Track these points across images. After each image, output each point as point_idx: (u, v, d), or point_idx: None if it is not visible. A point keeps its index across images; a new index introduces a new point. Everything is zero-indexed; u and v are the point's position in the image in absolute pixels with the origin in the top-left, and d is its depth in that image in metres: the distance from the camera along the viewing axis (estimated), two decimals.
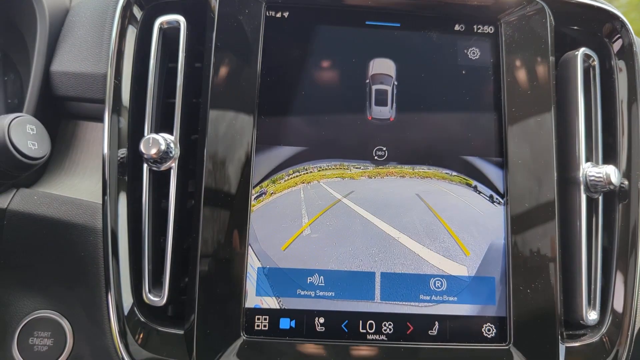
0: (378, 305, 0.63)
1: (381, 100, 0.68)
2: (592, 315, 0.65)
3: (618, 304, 0.65)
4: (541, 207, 0.65)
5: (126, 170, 0.64)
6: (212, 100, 0.64)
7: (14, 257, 0.68)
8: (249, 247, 0.63)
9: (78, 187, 0.71)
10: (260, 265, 0.63)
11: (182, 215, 0.65)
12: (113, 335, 0.60)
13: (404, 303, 0.64)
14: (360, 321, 0.63)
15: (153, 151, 0.61)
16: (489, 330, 0.63)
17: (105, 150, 0.63)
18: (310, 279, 0.63)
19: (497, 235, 0.65)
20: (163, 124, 0.66)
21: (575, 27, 0.73)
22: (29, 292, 0.70)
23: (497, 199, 0.66)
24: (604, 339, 0.64)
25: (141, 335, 0.61)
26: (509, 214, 0.65)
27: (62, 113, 0.74)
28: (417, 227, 0.65)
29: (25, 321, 0.69)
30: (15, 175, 0.55)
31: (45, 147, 0.56)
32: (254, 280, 0.63)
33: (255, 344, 0.61)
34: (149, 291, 0.62)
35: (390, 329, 0.63)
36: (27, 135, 0.54)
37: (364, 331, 0.63)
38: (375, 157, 0.67)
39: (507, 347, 0.62)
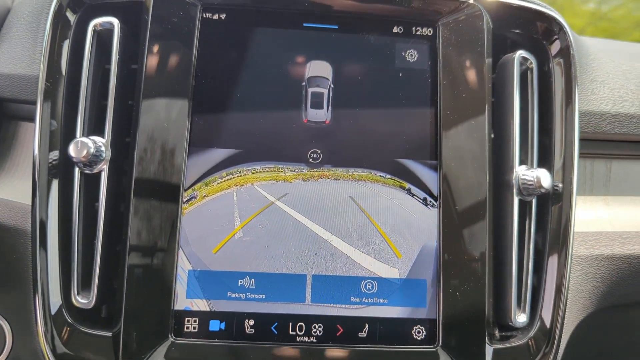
0: (308, 308, 0.64)
1: (317, 103, 0.68)
2: (521, 318, 0.66)
3: (547, 307, 0.66)
4: (473, 210, 0.65)
5: (58, 173, 0.64)
6: (144, 102, 0.64)
7: None
8: (180, 249, 0.63)
9: (18, 189, 0.71)
10: (191, 268, 0.63)
11: (115, 218, 0.65)
12: (39, 336, 0.60)
13: (334, 305, 0.64)
14: (290, 323, 0.63)
15: (82, 154, 0.61)
16: (418, 332, 0.64)
17: (36, 152, 0.63)
18: (241, 282, 0.64)
19: (429, 238, 0.66)
20: (98, 127, 0.66)
21: (515, 30, 0.73)
22: None
23: (430, 201, 0.67)
24: (530, 342, 0.65)
25: (66, 337, 0.61)
26: (442, 217, 0.66)
27: (3, 113, 0.74)
28: (349, 230, 0.66)
29: None
30: None
31: None
32: (184, 283, 0.63)
33: (183, 346, 0.61)
34: (78, 293, 0.62)
35: (320, 331, 0.63)
36: None
37: (294, 333, 0.63)
38: (310, 160, 0.67)
39: (434, 349, 0.63)
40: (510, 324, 0.65)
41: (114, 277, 0.64)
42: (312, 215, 0.66)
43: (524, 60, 0.71)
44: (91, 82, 0.66)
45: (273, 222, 0.65)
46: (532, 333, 0.65)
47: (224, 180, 0.66)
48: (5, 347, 0.70)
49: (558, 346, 0.64)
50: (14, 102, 0.70)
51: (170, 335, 0.61)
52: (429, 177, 0.67)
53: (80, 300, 0.62)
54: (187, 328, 0.62)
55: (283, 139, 0.67)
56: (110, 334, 0.62)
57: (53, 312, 0.61)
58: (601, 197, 0.81)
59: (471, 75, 0.68)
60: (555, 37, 0.71)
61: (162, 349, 0.61)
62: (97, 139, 0.64)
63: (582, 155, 0.68)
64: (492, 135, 0.69)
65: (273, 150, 0.67)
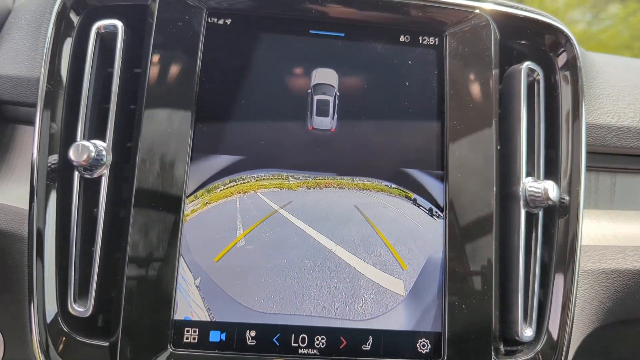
0: (311, 319, 0.62)
1: (322, 111, 0.67)
2: (528, 332, 0.65)
3: (554, 321, 0.65)
4: (480, 221, 0.64)
5: (57, 177, 0.63)
6: (147, 107, 0.62)
7: None
8: (181, 257, 0.62)
9: (13, 193, 0.69)
10: (192, 277, 0.62)
11: (115, 224, 0.63)
12: (34, 345, 0.58)
13: (338, 317, 0.63)
14: (293, 335, 0.62)
15: (82, 158, 0.60)
16: (423, 345, 0.63)
17: (35, 156, 0.61)
18: (245, 292, 0.62)
19: (435, 250, 0.65)
20: (99, 131, 0.65)
21: (522, 41, 0.73)
22: None
23: (436, 212, 0.66)
24: (538, 356, 0.64)
25: (62, 346, 0.59)
26: (448, 228, 0.64)
27: (1, 115, 0.72)
28: (354, 240, 0.65)
29: None
30: None
31: None
32: (185, 292, 0.61)
33: (182, 357, 0.59)
34: (75, 301, 0.60)
35: (322, 343, 0.62)
36: None
37: (296, 345, 0.62)
38: (314, 168, 0.66)
39: None
40: (517, 338, 0.64)
41: (112, 285, 0.62)
42: (316, 225, 0.65)
43: (531, 71, 0.70)
44: (93, 86, 0.65)
45: (276, 230, 0.64)
46: (539, 347, 0.64)
47: (227, 188, 0.64)
48: None
49: None
50: (12, 105, 0.69)
51: (169, 346, 0.59)
52: (435, 188, 0.66)
53: (77, 309, 0.60)
54: (187, 338, 0.60)
55: (287, 146, 0.66)
56: (107, 344, 0.60)
57: (49, 320, 0.59)
58: (606, 210, 0.80)
59: (478, 85, 0.67)
60: (562, 49, 0.71)
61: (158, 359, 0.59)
62: (98, 142, 0.62)
63: (587, 168, 0.68)
64: (499, 147, 0.68)
65: (277, 157, 0.66)
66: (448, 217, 0.65)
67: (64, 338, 0.60)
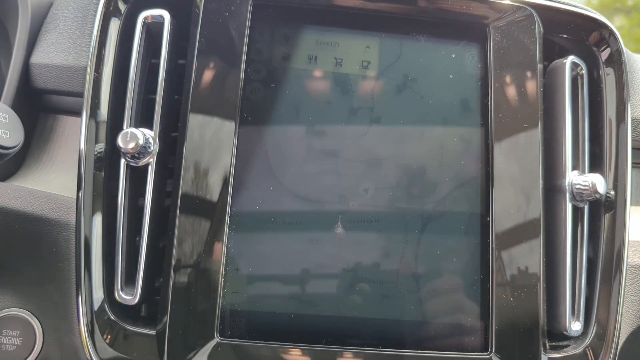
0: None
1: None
2: (576, 326, 0.64)
3: (602, 315, 0.64)
4: (526, 215, 0.64)
5: (103, 165, 0.63)
6: (194, 97, 0.62)
7: None
8: (228, 247, 0.61)
9: (54, 183, 0.69)
10: (239, 266, 0.61)
11: (159, 214, 0.63)
12: (81, 333, 0.58)
13: None
14: (339, 326, 0.61)
15: (131, 145, 0.60)
16: (470, 338, 0.62)
17: (82, 144, 0.61)
18: (291, 282, 0.62)
19: (483, 242, 0.64)
20: (143, 120, 0.65)
21: (564, 35, 0.72)
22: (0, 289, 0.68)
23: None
24: (588, 351, 0.63)
25: (110, 334, 0.59)
26: (495, 221, 0.64)
27: (40, 107, 0.72)
28: None
29: None
30: None
31: (17, 137, 0.54)
32: (232, 281, 0.61)
33: (229, 347, 0.59)
34: (121, 289, 0.60)
35: (369, 335, 0.61)
36: (0, 123, 0.52)
37: (342, 336, 0.61)
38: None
39: (488, 357, 0.61)
40: (565, 332, 0.63)
41: (158, 274, 0.62)
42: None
43: (575, 65, 0.70)
44: (139, 75, 0.65)
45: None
46: (588, 341, 0.63)
47: None
48: (35, 346, 0.67)
49: (616, 354, 0.62)
50: (57, 94, 0.69)
51: (216, 335, 0.59)
52: (483, 177, 0.66)
53: (124, 297, 0.60)
54: (233, 328, 0.60)
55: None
56: (154, 332, 0.59)
57: (96, 308, 0.59)
58: None
59: (523, 79, 0.67)
60: (606, 43, 0.71)
61: (207, 349, 0.58)
62: (146, 131, 0.62)
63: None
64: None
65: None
66: (495, 210, 0.64)
67: (111, 326, 0.59)
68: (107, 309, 0.60)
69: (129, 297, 0.60)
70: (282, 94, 0.66)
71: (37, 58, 0.69)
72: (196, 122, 0.62)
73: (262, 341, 0.60)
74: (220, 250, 0.61)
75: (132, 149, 0.60)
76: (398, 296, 0.63)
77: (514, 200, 0.64)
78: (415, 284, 0.63)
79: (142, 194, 0.63)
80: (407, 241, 0.64)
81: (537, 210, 0.64)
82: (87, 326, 0.58)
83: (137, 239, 0.63)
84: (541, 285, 0.62)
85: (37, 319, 0.67)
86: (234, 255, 0.61)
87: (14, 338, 0.67)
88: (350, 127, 0.66)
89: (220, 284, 0.60)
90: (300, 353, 0.59)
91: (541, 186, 0.64)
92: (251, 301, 0.61)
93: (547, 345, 0.64)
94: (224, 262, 0.61)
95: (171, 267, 0.59)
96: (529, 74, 0.67)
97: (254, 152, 0.64)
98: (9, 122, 0.53)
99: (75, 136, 0.72)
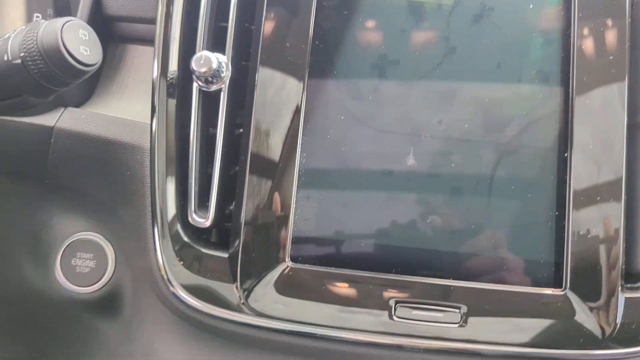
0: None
1: None
2: None
3: None
4: (608, 152, 0.61)
5: (175, 91, 0.63)
6: (266, 26, 0.61)
7: (60, 177, 0.67)
8: (298, 175, 0.61)
9: (126, 110, 0.70)
10: (310, 195, 0.61)
11: (230, 143, 0.63)
12: (157, 255, 0.59)
13: None
14: (411, 257, 0.61)
15: (204, 69, 0.59)
16: (544, 274, 0.60)
17: (156, 69, 0.62)
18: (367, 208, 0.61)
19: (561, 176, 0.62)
20: (215, 47, 0.64)
21: None
22: (73, 214, 0.70)
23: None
24: None
25: (183, 256, 0.60)
26: (573, 155, 0.61)
27: (110, 35, 0.73)
28: None
29: (68, 242, 0.70)
30: (67, 83, 0.53)
31: (97, 54, 0.54)
32: (302, 209, 0.61)
33: (300, 271, 0.59)
34: (195, 212, 0.61)
35: (440, 267, 0.61)
36: (80, 40, 0.52)
37: (413, 267, 0.60)
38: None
39: (563, 293, 0.59)
40: None
41: (230, 199, 0.62)
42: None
43: None
44: (211, 1, 0.64)
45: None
46: None
47: None
48: (108, 269, 0.69)
49: None
50: (129, 21, 0.69)
51: (287, 260, 0.59)
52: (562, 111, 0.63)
53: (197, 219, 0.61)
54: (304, 253, 0.60)
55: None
56: (226, 255, 0.60)
57: (170, 229, 0.60)
58: None
59: (609, 8, 0.63)
60: None
61: (279, 273, 0.59)
62: (219, 55, 0.61)
63: None
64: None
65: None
66: (574, 145, 0.61)
67: (185, 248, 0.60)
68: (180, 231, 0.60)
69: (202, 219, 0.61)
70: (355, 21, 0.64)
71: None
72: (268, 50, 0.61)
73: (333, 268, 0.60)
74: (292, 177, 0.60)
75: (205, 72, 0.59)
76: (470, 229, 0.61)
77: (594, 136, 0.61)
78: (488, 218, 0.62)
79: (213, 124, 0.63)
80: (480, 175, 0.62)
81: (619, 146, 0.61)
82: (162, 247, 0.59)
83: (208, 168, 0.63)
84: (622, 222, 0.60)
85: (110, 243, 0.69)
86: (305, 183, 0.61)
87: (88, 261, 0.70)
88: (424, 57, 0.64)
89: (292, 210, 0.60)
90: (369, 280, 0.59)
91: (625, 122, 0.61)
92: (322, 229, 0.61)
93: (625, 286, 0.62)
94: (295, 189, 0.60)
95: (244, 192, 0.59)
96: (616, 3, 0.63)
97: (325, 80, 0.63)
98: (88, 39, 0.53)
99: (144, 65, 0.72)
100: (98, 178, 0.66)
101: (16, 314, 0.74)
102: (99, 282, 0.69)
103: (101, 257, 0.69)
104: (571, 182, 0.61)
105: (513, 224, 0.62)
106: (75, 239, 0.70)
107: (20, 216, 0.71)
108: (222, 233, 0.64)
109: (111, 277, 0.69)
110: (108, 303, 0.70)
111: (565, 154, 0.62)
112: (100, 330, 0.72)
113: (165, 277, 0.59)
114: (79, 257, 0.70)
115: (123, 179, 0.64)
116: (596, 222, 0.60)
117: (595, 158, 0.61)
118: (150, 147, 0.61)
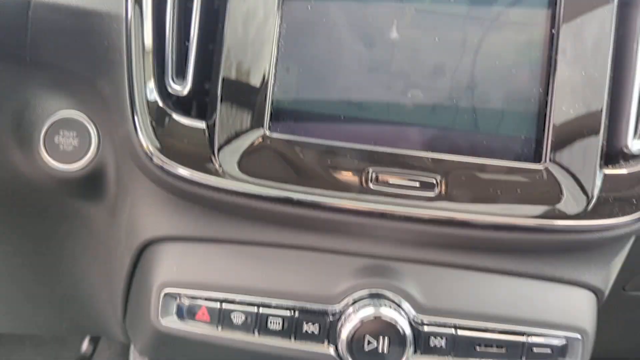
0: None
1: None
2: (637, 145, 0.61)
3: None
4: (597, 28, 0.60)
5: None
6: None
7: (39, 52, 0.66)
8: (277, 47, 0.60)
9: None
10: (289, 67, 0.60)
11: (209, 17, 0.62)
12: (135, 120, 0.59)
13: None
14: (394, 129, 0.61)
15: None
16: (523, 148, 0.60)
17: None
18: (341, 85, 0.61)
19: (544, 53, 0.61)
20: None
21: None
22: (54, 91, 0.69)
23: None
24: None
25: (162, 123, 0.59)
26: (560, 34, 0.60)
27: None
28: None
29: (51, 121, 0.69)
30: None
31: None
32: (281, 80, 0.60)
33: (278, 141, 0.59)
34: (172, 80, 0.60)
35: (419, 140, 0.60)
36: None
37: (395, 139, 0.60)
38: None
39: (542, 167, 0.59)
40: (625, 150, 0.61)
41: (208, 70, 0.61)
42: None
43: None
44: None
45: None
46: None
47: None
48: (91, 149, 0.69)
49: None
50: None
51: (265, 128, 0.59)
52: None
53: (174, 87, 0.60)
54: (282, 123, 0.60)
55: None
56: (203, 126, 0.60)
57: (149, 96, 0.59)
58: None
59: None
60: None
61: (256, 140, 0.59)
62: None
63: None
64: None
65: None
66: (562, 23, 0.59)
67: (163, 115, 0.60)
68: (158, 98, 0.60)
69: (179, 87, 0.60)
70: None
71: None
72: None
73: (312, 137, 0.60)
74: (270, 49, 0.59)
75: None
76: (451, 105, 0.61)
77: (582, 12, 0.60)
78: (470, 94, 0.61)
79: None
80: (464, 50, 0.61)
81: (608, 22, 0.59)
82: (139, 112, 0.59)
83: (187, 41, 0.62)
84: (605, 98, 0.59)
85: (91, 120, 0.69)
86: (284, 55, 0.60)
87: (71, 139, 0.69)
88: None
89: (271, 81, 0.59)
90: (347, 151, 0.59)
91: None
92: (300, 101, 0.61)
93: (603, 164, 0.62)
94: (274, 60, 0.60)
95: (221, 61, 0.59)
96: None
97: None
98: None
99: None
100: (77, 51, 0.65)
101: (4, 197, 0.75)
102: (84, 160, 0.69)
103: (84, 134, 0.69)
104: (557, 57, 0.60)
105: (495, 99, 0.61)
106: (58, 118, 0.70)
107: (2, 97, 0.70)
108: (202, 107, 0.63)
109: (95, 155, 0.69)
110: (93, 182, 0.70)
111: (553, 30, 0.60)
112: (86, 211, 0.73)
113: (143, 142, 0.59)
114: (62, 135, 0.69)
115: (101, 50, 0.63)
116: (579, 99, 0.59)
117: (583, 36, 0.60)
118: (125, 12, 0.59)
